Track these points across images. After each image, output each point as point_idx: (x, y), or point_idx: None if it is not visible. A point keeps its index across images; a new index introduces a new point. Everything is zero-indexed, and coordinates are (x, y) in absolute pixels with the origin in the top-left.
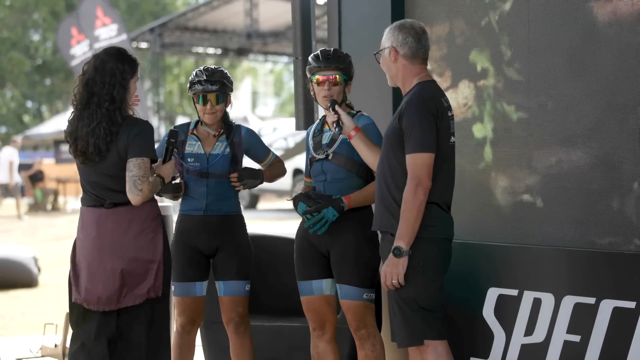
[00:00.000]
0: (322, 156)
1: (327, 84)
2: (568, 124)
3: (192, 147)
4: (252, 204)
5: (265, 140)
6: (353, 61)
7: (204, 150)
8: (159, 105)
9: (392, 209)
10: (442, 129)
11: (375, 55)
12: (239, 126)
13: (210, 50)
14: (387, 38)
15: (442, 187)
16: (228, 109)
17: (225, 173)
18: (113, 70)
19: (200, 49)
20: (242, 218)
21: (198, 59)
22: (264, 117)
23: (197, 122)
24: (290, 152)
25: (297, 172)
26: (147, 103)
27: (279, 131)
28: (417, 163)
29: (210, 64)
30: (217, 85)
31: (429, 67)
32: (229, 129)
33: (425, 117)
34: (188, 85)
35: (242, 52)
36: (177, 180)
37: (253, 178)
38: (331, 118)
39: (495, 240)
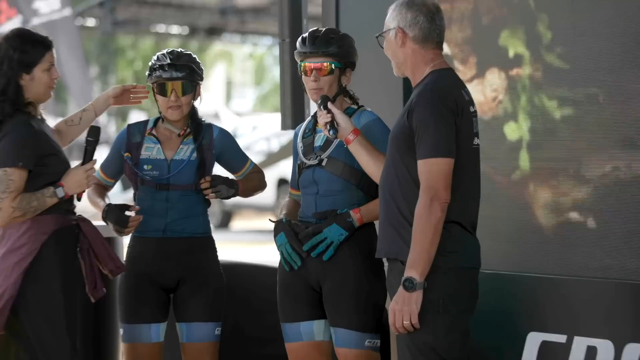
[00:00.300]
0: (314, 162)
1: (314, 74)
2: (626, 122)
3: (150, 150)
4: (225, 222)
5: (242, 142)
6: (356, 44)
7: (165, 154)
8: None
9: (401, 230)
10: (462, 128)
11: (377, 38)
12: (209, 125)
13: (175, 30)
14: (393, 17)
15: (464, 202)
16: (197, 103)
17: (190, 184)
18: (2, 58)
19: (161, 28)
20: (212, 241)
21: (159, 41)
22: (241, 112)
23: (157, 120)
24: (274, 158)
25: (282, 182)
26: (93, 94)
27: (259, 130)
28: (432, 171)
29: (175, 46)
30: (184, 72)
31: (446, 51)
32: (197, 128)
33: (441, 112)
34: (147, 72)
35: (214, 32)
36: (131, 213)
37: (228, 186)
38: (323, 118)
39: (535, 270)
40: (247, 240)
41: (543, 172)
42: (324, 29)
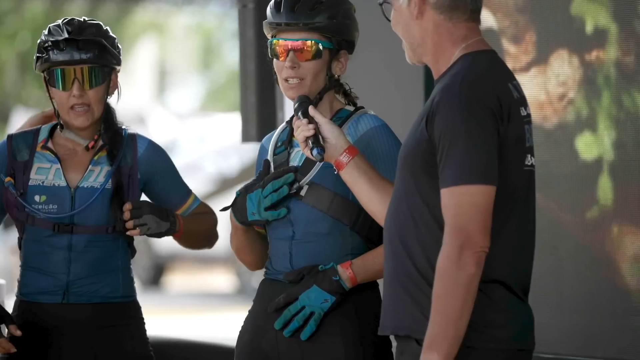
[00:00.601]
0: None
1: (291, 58)
2: None
3: (44, 173)
4: (155, 279)
5: (184, 161)
6: (359, 14)
7: (67, 179)
8: None
9: (416, 293)
10: (509, 141)
11: (381, 5)
12: (133, 136)
13: None
14: None
15: (510, 252)
16: (112, 101)
17: (104, 225)
18: None
19: None
20: (136, 308)
21: (55, 5)
22: (181, 114)
23: (53, 129)
24: (230, 183)
25: None
26: None
27: (209, 142)
28: (463, 204)
29: (77, 13)
30: (91, 53)
31: (489, 24)
32: (113, 139)
33: (475, 116)
34: (35, 54)
35: None
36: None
37: (159, 217)
38: (302, 131)
39: (615, 355)
40: (187, 305)
41: (634, 209)
42: None
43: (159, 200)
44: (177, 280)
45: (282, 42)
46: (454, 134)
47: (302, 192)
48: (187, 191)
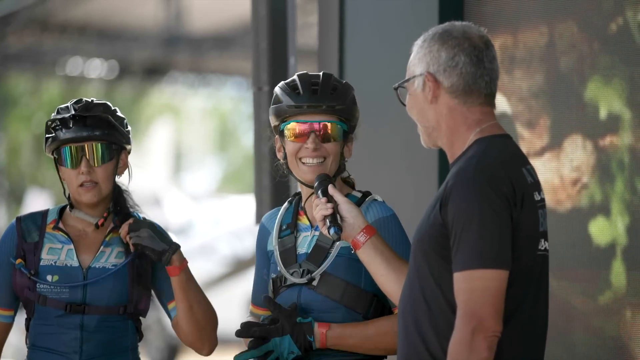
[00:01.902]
0: (300, 280)
1: (313, 138)
2: None
3: (56, 253)
4: (169, 358)
5: (198, 243)
6: (364, 96)
7: (79, 259)
8: None
9: None
10: (522, 226)
11: (396, 90)
12: (144, 222)
13: (95, 70)
14: (420, 58)
15: (523, 336)
16: (124, 180)
17: (115, 306)
18: None
19: (75, 66)
20: None
21: (71, 86)
22: (196, 196)
23: (62, 209)
24: (245, 265)
25: None
26: None
27: (224, 224)
28: (475, 288)
29: (95, 94)
30: (98, 130)
31: (504, 109)
32: (125, 213)
33: (489, 201)
34: (45, 135)
35: (155, 73)
36: None
37: (157, 236)
38: (321, 210)
39: None
40: None
41: None
42: (322, 73)
43: (160, 286)
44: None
45: (301, 125)
46: (467, 218)
47: (314, 282)
48: None
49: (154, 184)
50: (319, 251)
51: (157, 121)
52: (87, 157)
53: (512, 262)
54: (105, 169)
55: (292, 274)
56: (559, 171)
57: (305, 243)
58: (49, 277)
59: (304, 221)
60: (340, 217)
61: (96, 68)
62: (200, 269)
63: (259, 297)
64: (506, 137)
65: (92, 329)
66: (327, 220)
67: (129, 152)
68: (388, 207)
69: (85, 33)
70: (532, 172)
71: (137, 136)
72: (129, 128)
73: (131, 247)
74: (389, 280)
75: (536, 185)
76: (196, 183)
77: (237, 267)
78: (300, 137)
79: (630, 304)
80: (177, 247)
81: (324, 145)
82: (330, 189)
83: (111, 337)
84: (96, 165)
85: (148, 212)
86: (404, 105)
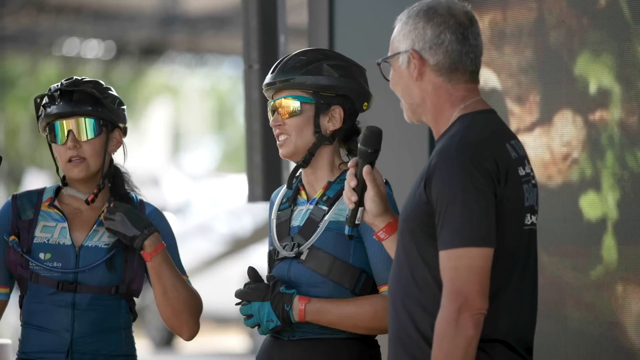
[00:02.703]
0: (289, 252)
1: (275, 117)
2: None
3: (49, 231)
4: (168, 339)
5: (196, 222)
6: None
7: (72, 237)
8: None
9: (418, 354)
10: (507, 201)
11: (379, 65)
12: (140, 203)
13: (92, 50)
14: (404, 34)
15: (512, 312)
16: (120, 160)
17: (107, 285)
18: None
19: (72, 46)
20: None
21: (69, 67)
22: (196, 175)
23: (58, 189)
24: (243, 244)
25: None
26: None
27: (222, 203)
28: (460, 266)
29: (93, 74)
30: (85, 105)
31: (495, 85)
32: (121, 196)
33: (472, 179)
34: (37, 114)
35: (152, 53)
36: None
37: (131, 221)
38: (345, 199)
39: None
40: None
41: (639, 267)
42: (298, 52)
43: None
44: (192, 341)
45: (271, 103)
46: (451, 196)
47: (303, 257)
48: (182, 271)
49: (153, 164)
50: (311, 225)
51: (155, 101)
52: (74, 131)
53: (497, 239)
54: (92, 144)
55: (284, 247)
56: (549, 146)
57: (299, 216)
58: (41, 255)
59: (302, 196)
60: (369, 198)
61: (93, 48)
62: (199, 248)
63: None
64: (490, 112)
65: (83, 307)
66: (347, 214)
67: (124, 132)
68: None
69: (82, 13)
70: (516, 147)
71: (135, 116)
72: (124, 107)
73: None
74: None
75: (521, 160)
76: (195, 163)
77: (235, 245)
78: (271, 115)
79: (622, 278)
80: (150, 233)
81: (285, 121)
82: (366, 171)
83: (103, 316)
84: (82, 139)
85: (146, 193)
86: (387, 80)
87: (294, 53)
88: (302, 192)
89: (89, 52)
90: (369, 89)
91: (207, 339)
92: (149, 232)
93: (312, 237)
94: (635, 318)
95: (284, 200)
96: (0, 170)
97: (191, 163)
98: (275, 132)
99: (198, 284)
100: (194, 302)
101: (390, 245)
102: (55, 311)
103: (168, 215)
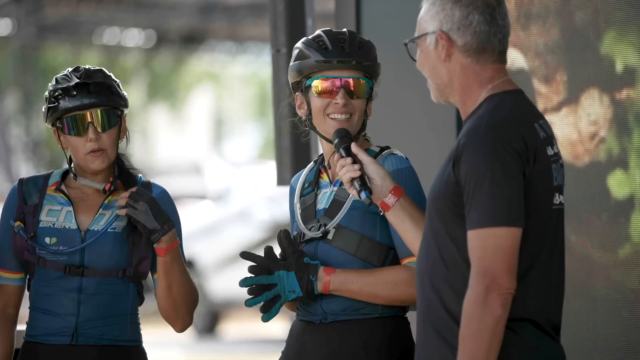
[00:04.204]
0: (315, 233)
1: (343, 95)
2: None
3: (55, 215)
4: (211, 326)
5: (238, 207)
6: (381, 57)
7: (77, 221)
8: (34, 141)
9: (447, 334)
10: (535, 181)
11: (406, 45)
12: (148, 184)
13: (132, 39)
14: (432, 15)
15: (539, 291)
16: (123, 145)
17: (114, 269)
18: None
19: (113, 35)
20: (140, 353)
21: (110, 56)
22: (237, 163)
23: (64, 174)
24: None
25: None
26: (11, 139)
27: (262, 189)
28: (488, 246)
29: (132, 64)
30: (102, 96)
31: (521, 65)
32: (127, 181)
33: (500, 159)
34: (46, 105)
35: (193, 41)
36: None
37: (153, 213)
38: (348, 172)
39: None
40: (243, 352)
41: None
42: (346, 30)
43: (154, 252)
44: (233, 327)
45: (330, 79)
46: (479, 176)
47: (329, 236)
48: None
49: (195, 152)
50: (336, 205)
51: (197, 89)
52: (95, 123)
53: (526, 219)
54: (111, 135)
55: (310, 229)
56: (577, 126)
57: (324, 199)
58: (47, 239)
59: (324, 179)
60: (368, 178)
61: (133, 37)
62: (239, 234)
63: None
64: (518, 92)
65: (90, 291)
66: (356, 184)
67: (125, 116)
68: (404, 159)
69: (122, 3)
70: (544, 127)
71: (176, 105)
72: (124, 92)
73: (123, 213)
74: (419, 240)
75: (549, 140)
76: (237, 150)
77: (275, 231)
78: (328, 93)
79: None
80: (169, 229)
81: (351, 101)
82: (354, 148)
83: (110, 301)
84: (102, 131)
85: (189, 181)
86: (414, 60)
87: (348, 33)
88: (324, 175)
89: (129, 41)
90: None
91: (248, 326)
92: (168, 227)
93: (337, 216)
94: None
95: (306, 184)
96: (42, 160)
97: (233, 150)
98: (336, 109)
99: (239, 270)
100: (193, 298)
101: (397, 213)
102: (61, 295)
103: (208, 203)
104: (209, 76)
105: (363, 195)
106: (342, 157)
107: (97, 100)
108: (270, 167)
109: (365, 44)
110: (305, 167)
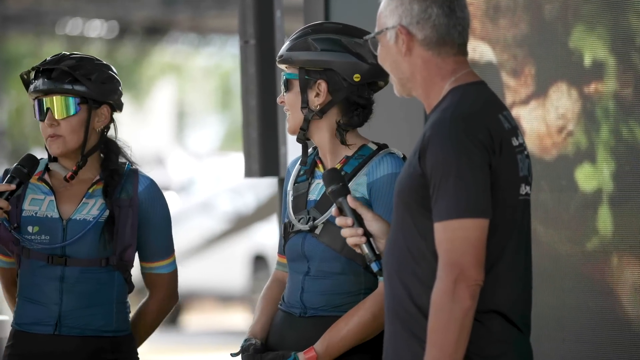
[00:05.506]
0: (303, 226)
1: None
2: None
3: (37, 204)
4: (173, 317)
5: (199, 200)
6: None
7: (59, 211)
8: None
9: (415, 327)
10: (501, 172)
11: (368, 41)
12: (134, 172)
13: (95, 30)
14: (391, 10)
15: (508, 283)
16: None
17: (95, 258)
18: None
19: (75, 26)
20: (129, 342)
21: (72, 46)
22: (199, 154)
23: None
24: (246, 222)
25: (258, 260)
26: None
27: (225, 180)
28: (456, 238)
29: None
30: (62, 83)
31: (490, 58)
32: (111, 175)
33: (466, 150)
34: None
35: (155, 33)
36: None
37: None
38: (354, 238)
39: None
40: (205, 344)
41: (634, 239)
42: (309, 25)
43: (140, 243)
44: (195, 318)
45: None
46: (445, 168)
47: (317, 231)
48: (170, 250)
49: (158, 144)
50: (327, 200)
51: (160, 81)
52: (51, 109)
53: (492, 210)
54: (69, 122)
55: (299, 221)
56: (545, 119)
57: (316, 190)
58: (29, 228)
59: (320, 169)
60: (373, 238)
61: (96, 28)
62: (202, 225)
63: (282, 246)
64: (481, 84)
65: (73, 280)
66: (365, 249)
67: (118, 107)
68: (401, 160)
69: None
70: (509, 118)
71: (139, 96)
72: (115, 83)
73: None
74: None
75: (514, 131)
76: (199, 142)
77: (238, 223)
78: None
79: (617, 249)
80: None
81: (284, 97)
82: (351, 202)
83: (93, 289)
84: (58, 117)
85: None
86: (374, 52)
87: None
88: (320, 166)
89: (92, 32)
90: (370, 59)
91: (211, 317)
92: None
93: (327, 212)
94: (631, 289)
95: (302, 172)
96: (3, 151)
97: (195, 142)
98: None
99: (201, 262)
100: (165, 315)
101: None
102: (45, 284)
103: (172, 195)
104: (171, 68)
105: (375, 267)
106: (341, 212)
107: (55, 86)
108: (233, 159)
109: (295, 37)
110: (273, 159)
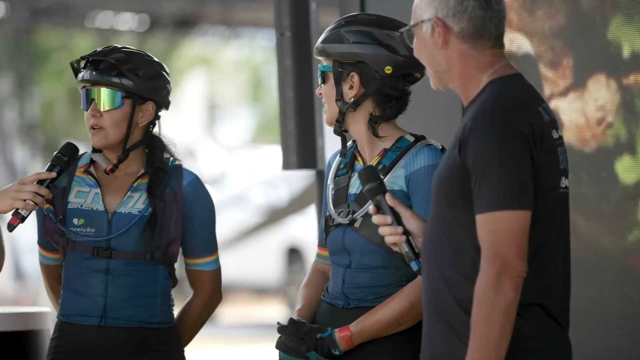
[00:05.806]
0: (343, 219)
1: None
2: None
3: (83, 197)
4: None
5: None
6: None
7: (105, 203)
8: (29, 124)
9: (453, 321)
10: (542, 164)
11: (404, 34)
12: (179, 168)
13: (125, 23)
14: (427, 2)
15: (547, 275)
16: (153, 127)
17: (139, 252)
18: None
19: (105, 19)
20: (173, 334)
21: (103, 39)
22: (231, 147)
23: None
24: (280, 214)
25: (293, 253)
26: (4, 122)
27: (258, 173)
28: (499, 230)
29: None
30: (108, 76)
31: (528, 50)
32: (156, 172)
33: (507, 143)
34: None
35: (186, 25)
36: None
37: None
38: (393, 237)
39: None
40: (240, 336)
41: None
42: (345, 17)
43: (184, 238)
44: (230, 311)
45: None
46: (488, 160)
47: (357, 224)
48: (214, 247)
49: (188, 136)
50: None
51: (190, 73)
52: (96, 101)
53: (534, 202)
54: (112, 115)
55: (339, 214)
56: (584, 111)
57: (356, 183)
58: (75, 221)
59: (359, 162)
60: (412, 236)
61: (126, 21)
62: (235, 218)
63: (322, 238)
64: (518, 76)
65: (118, 273)
66: (405, 248)
67: (164, 105)
68: (439, 151)
69: None
70: (548, 110)
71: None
72: (164, 81)
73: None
74: None
75: (553, 123)
76: (230, 134)
77: (272, 216)
78: None
79: None
80: None
81: (322, 90)
82: (390, 200)
83: (138, 283)
84: (102, 109)
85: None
86: (411, 48)
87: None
88: (359, 159)
89: (122, 25)
90: (403, 51)
91: (246, 310)
92: None
93: (366, 205)
94: None
95: (342, 165)
96: (36, 144)
97: (226, 134)
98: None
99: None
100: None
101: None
102: (90, 276)
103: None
104: (202, 60)
105: (414, 266)
106: (379, 210)
107: (100, 78)
108: (265, 152)
109: (329, 29)
110: (310, 150)
